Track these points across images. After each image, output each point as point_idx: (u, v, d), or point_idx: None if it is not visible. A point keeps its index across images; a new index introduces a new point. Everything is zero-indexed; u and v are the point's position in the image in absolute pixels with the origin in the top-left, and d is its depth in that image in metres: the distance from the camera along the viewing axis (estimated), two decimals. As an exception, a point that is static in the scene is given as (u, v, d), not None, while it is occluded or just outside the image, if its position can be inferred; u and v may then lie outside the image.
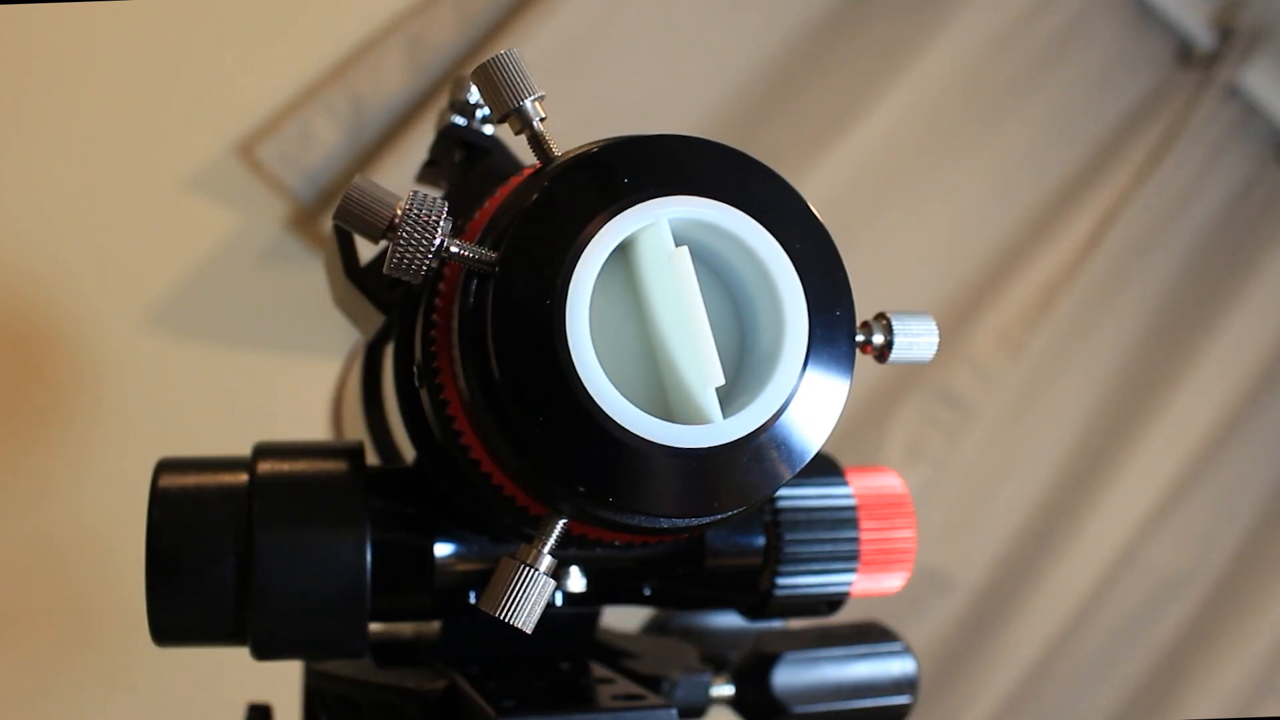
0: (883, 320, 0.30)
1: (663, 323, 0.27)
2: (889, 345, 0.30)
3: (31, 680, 0.92)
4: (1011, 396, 1.17)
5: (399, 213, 0.26)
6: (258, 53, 0.99)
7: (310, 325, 0.96)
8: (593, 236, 0.26)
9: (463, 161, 0.38)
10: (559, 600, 0.38)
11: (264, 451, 0.34)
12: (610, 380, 0.26)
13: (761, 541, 0.37)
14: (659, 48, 1.05)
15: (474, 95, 0.38)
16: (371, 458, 0.39)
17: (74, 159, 0.94)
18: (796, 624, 0.43)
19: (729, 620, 0.51)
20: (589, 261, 0.26)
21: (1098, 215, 1.20)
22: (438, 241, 0.26)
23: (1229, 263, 1.28)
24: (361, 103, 0.97)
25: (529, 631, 0.27)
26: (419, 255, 0.26)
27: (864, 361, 0.29)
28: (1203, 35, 1.26)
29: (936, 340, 0.31)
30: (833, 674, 0.42)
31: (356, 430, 0.42)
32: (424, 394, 0.30)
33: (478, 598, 0.28)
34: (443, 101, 0.39)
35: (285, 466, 0.33)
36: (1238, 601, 1.28)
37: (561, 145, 0.28)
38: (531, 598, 0.27)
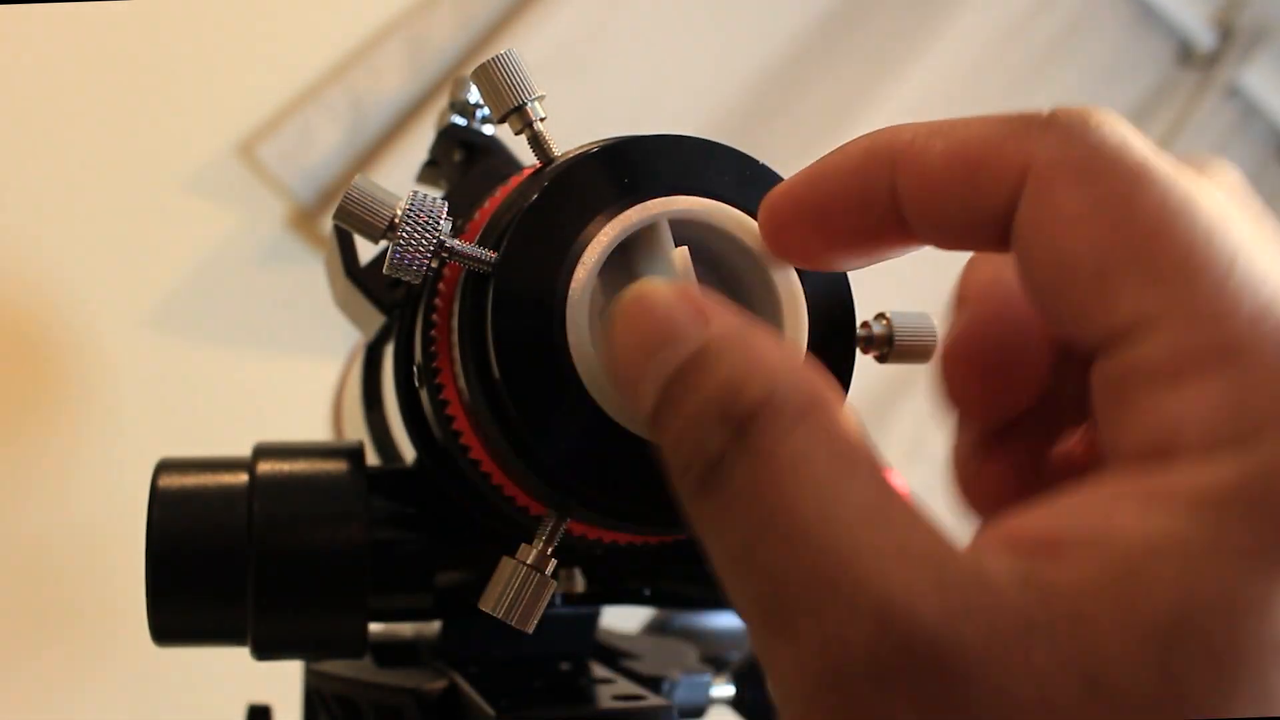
0: (883, 320, 0.30)
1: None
2: (889, 345, 0.30)
3: (31, 680, 0.92)
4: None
5: (399, 213, 0.26)
6: (258, 53, 0.99)
7: (310, 325, 0.96)
8: (593, 236, 0.26)
9: (463, 161, 0.38)
10: (559, 600, 0.38)
11: (264, 452, 0.34)
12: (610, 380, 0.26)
13: (761, 541, 0.37)
14: (659, 48, 1.05)
15: (474, 95, 0.38)
16: (371, 458, 0.39)
17: (74, 159, 0.94)
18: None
19: (729, 620, 0.51)
20: (589, 261, 0.26)
21: (1098, 215, 1.20)
22: (438, 241, 0.26)
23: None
24: (361, 103, 0.97)
25: (529, 632, 0.27)
26: (419, 255, 0.26)
27: (864, 361, 0.29)
28: (1203, 35, 1.26)
29: (937, 340, 0.31)
30: (833, 674, 0.42)
31: (356, 430, 0.42)
32: (424, 394, 0.30)
33: (478, 597, 0.28)
34: (443, 101, 0.39)
35: (285, 467, 0.33)
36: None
37: (561, 145, 0.28)
38: (531, 598, 0.27)
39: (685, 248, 0.27)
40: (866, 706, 0.17)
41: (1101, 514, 0.18)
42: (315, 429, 0.56)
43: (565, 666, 0.40)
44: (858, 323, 0.29)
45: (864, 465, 0.20)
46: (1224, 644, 0.16)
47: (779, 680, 0.19)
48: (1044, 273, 0.21)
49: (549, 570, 0.27)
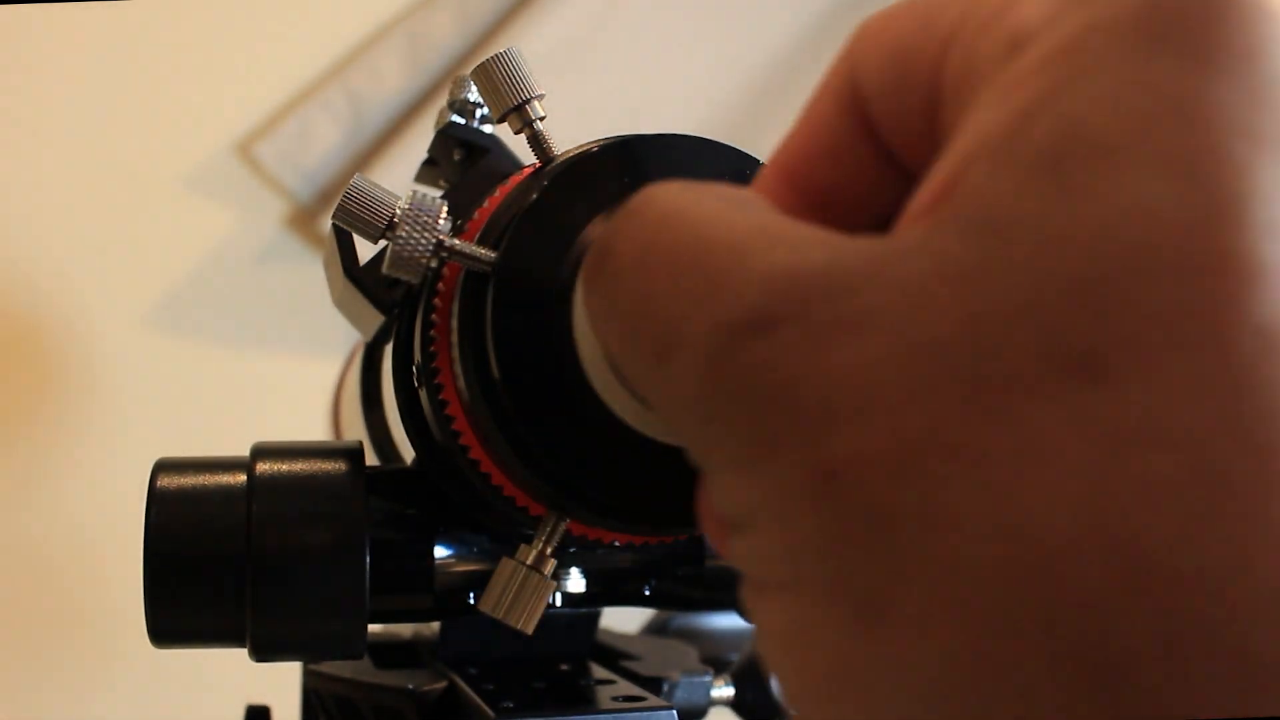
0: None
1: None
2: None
3: (30, 682, 0.92)
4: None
5: (398, 212, 0.26)
6: (257, 52, 0.99)
7: (310, 325, 0.96)
8: (593, 236, 0.26)
9: (462, 161, 0.38)
10: (559, 601, 0.38)
11: (262, 452, 0.34)
12: (610, 380, 0.25)
13: (762, 542, 0.37)
14: (659, 47, 1.05)
15: (473, 94, 0.38)
16: (371, 458, 0.39)
17: (74, 159, 0.94)
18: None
19: (729, 621, 0.51)
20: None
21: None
22: (437, 241, 0.26)
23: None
24: (361, 102, 0.97)
25: (529, 633, 0.27)
26: (418, 255, 0.26)
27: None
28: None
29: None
30: (833, 675, 0.42)
31: (356, 430, 0.42)
32: (423, 394, 0.30)
33: (477, 598, 0.28)
34: (442, 101, 0.39)
35: (284, 467, 0.33)
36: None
37: (561, 145, 0.28)
38: (531, 599, 0.27)
39: None
40: (751, 360, 0.16)
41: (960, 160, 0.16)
42: (314, 429, 0.56)
43: (565, 667, 0.39)
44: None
45: (756, 200, 0.19)
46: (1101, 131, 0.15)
47: (665, 402, 0.18)
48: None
49: (549, 571, 0.27)
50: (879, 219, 0.22)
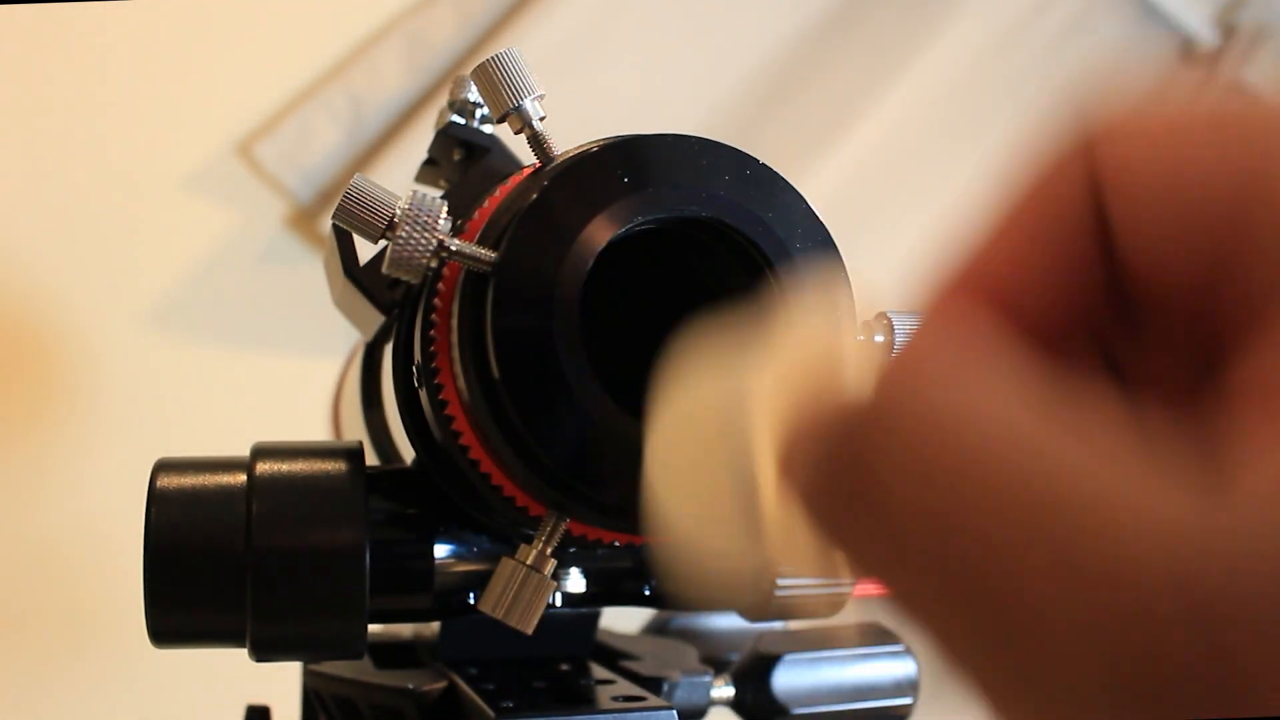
0: (883, 320, 0.30)
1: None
2: (890, 345, 0.30)
3: (30, 681, 0.92)
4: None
5: (398, 212, 0.26)
6: (257, 52, 0.99)
7: (310, 325, 0.96)
8: (593, 236, 0.26)
9: (462, 161, 0.38)
10: (559, 601, 0.38)
11: (262, 452, 0.34)
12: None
13: (762, 542, 0.37)
14: (659, 47, 1.05)
15: (473, 94, 0.38)
16: (371, 458, 0.39)
17: (74, 159, 0.94)
18: (797, 625, 0.42)
19: (729, 621, 0.51)
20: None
21: (1098, 215, 1.20)
22: (437, 241, 0.26)
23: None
24: (361, 102, 0.97)
25: (529, 633, 0.27)
26: (418, 255, 0.26)
27: (865, 362, 0.29)
28: (1205, 33, 1.26)
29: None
30: (833, 675, 0.42)
31: (356, 430, 0.42)
32: (423, 394, 0.30)
33: (477, 598, 0.28)
34: (442, 101, 0.39)
35: (284, 467, 0.33)
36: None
37: (561, 145, 0.28)
38: (531, 599, 0.27)
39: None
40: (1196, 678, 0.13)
41: None
42: (314, 429, 0.56)
43: (565, 667, 0.39)
44: (859, 322, 0.29)
45: (1056, 398, 0.15)
46: None
47: (1011, 686, 0.14)
48: None
49: (549, 571, 0.27)
50: (1078, 343, 0.18)
